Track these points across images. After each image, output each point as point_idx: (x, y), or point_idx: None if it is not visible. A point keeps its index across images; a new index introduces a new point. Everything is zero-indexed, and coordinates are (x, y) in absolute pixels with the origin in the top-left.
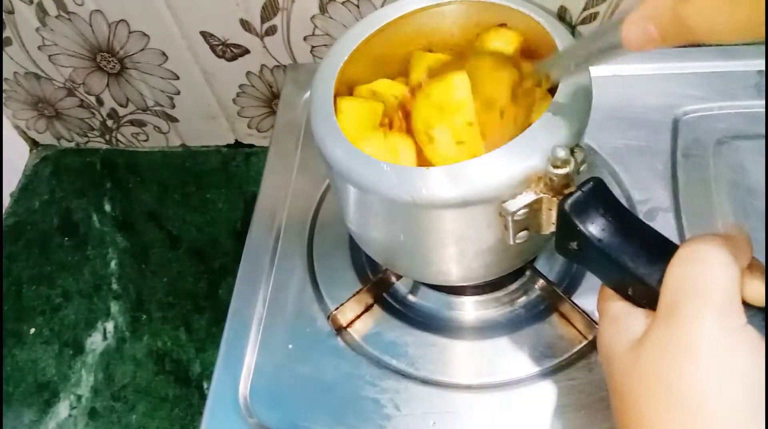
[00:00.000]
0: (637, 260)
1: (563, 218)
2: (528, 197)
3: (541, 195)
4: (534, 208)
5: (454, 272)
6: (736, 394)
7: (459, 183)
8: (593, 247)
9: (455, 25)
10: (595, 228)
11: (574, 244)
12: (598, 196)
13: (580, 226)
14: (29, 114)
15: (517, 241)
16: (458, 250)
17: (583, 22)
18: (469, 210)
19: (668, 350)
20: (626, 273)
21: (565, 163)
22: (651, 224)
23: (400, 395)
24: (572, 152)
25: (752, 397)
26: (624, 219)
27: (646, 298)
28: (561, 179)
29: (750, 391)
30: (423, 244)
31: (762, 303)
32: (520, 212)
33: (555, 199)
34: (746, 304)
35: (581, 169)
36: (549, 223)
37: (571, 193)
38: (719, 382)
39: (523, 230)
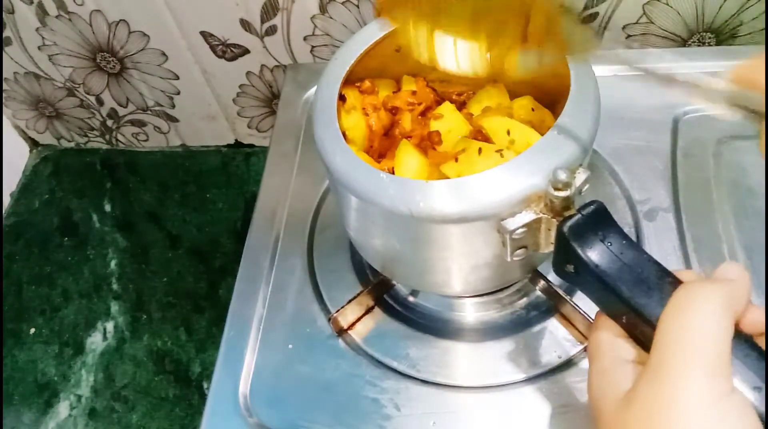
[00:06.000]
0: (634, 289)
1: (561, 241)
2: (527, 216)
3: (541, 215)
4: (533, 227)
5: (450, 284)
6: None
7: (458, 198)
8: (590, 272)
9: None
10: (593, 253)
11: (570, 267)
12: (599, 220)
13: (578, 250)
14: (29, 114)
15: (515, 259)
16: (455, 264)
17: (583, 22)
18: (467, 226)
19: (653, 410)
20: (622, 301)
21: (566, 185)
22: (651, 224)
23: (400, 395)
24: (574, 173)
25: None
26: (623, 246)
27: (639, 328)
28: (561, 201)
29: None
30: (419, 256)
31: (761, 330)
32: (518, 231)
33: (554, 220)
34: (743, 336)
35: (583, 190)
36: (548, 243)
37: (571, 216)
38: None
39: (521, 248)
